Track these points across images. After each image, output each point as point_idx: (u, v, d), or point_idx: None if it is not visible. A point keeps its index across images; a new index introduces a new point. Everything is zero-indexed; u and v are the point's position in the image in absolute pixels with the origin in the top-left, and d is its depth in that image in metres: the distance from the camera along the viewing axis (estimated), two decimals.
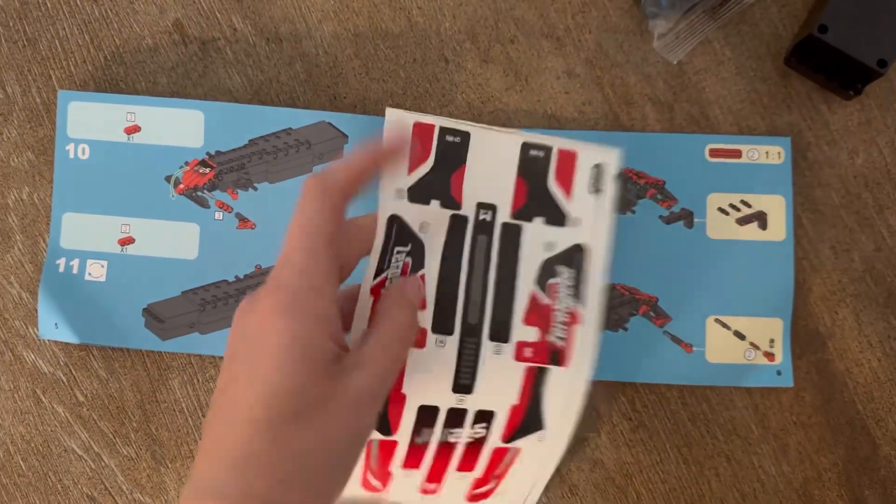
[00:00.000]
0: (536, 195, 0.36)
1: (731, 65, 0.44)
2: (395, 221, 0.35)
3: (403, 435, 0.36)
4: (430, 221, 0.35)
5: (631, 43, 0.45)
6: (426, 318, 0.35)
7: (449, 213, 0.35)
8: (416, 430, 0.36)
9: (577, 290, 0.35)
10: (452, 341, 0.35)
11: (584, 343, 0.35)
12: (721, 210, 0.43)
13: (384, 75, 0.45)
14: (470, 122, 0.36)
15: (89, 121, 0.44)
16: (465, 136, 0.36)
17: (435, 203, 0.35)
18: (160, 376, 0.44)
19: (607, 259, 0.35)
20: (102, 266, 0.44)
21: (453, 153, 0.36)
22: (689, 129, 0.44)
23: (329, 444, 0.28)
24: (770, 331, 0.43)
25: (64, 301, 0.44)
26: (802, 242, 0.44)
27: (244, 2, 0.45)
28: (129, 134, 0.44)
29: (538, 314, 0.35)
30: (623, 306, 0.43)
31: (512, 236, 0.35)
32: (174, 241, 0.44)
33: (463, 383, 0.35)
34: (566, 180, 0.36)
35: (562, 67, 0.45)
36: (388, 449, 0.36)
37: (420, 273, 0.35)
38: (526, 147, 0.36)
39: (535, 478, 0.38)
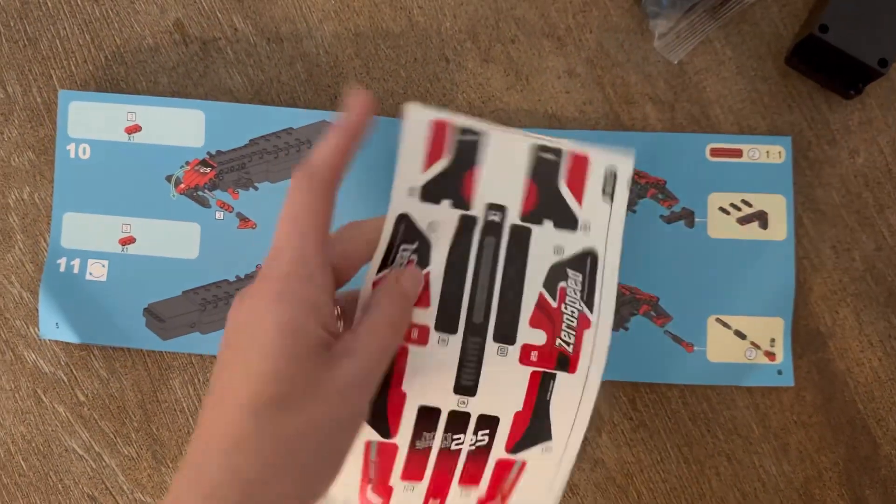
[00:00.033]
0: (547, 198, 0.35)
1: (731, 64, 0.44)
2: (403, 220, 0.34)
3: (403, 438, 0.35)
4: (440, 221, 0.35)
5: (632, 42, 0.45)
6: (430, 316, 0.34)
7: (459, 213, 0.35)
8: (417, 434, 0.35)
9: (586, 295, 0.35)
10: (456, 340, 0.34)
11: (595, 349, 0.34)
12: (722, 209, 0.43)
13: (385, 75, 0.45)
14: (486, 123, 0.35)
15: (90, 120, 0.44)
16: (481, 137, 0.35)
17: (446, 203, 0.35)
18: (161, 376, 0.44)
19: (618, 265, 0.35)
20: (103, 266, 0.44)
21: (468, 153, 0.35)
22: (689, 129, 0.44)
23: (315, 430, 0.28)
24: (771, 330, 0.43)
25: (65, 301, 0.44)
26: (803, 242, 0.44)
27: (245, 2, 0.45)
28: (129, 133, 0.44)
29: (546, 317, 0.34)
30: (624, 306, 0.43)
31: (521, 239, 0.35)
32: (175, 241, 0.44)
33: (465, 384, 0.34)
34: (577, 184, 0.35)
35: (562, 67, 0.45)
36: (387, 454, 0.35)
37: (425, 270, 0.34)
38: (538, 149, 0.35)
39: (542, 496, 0.36)
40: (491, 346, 0.34)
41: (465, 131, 0.35)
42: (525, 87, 0.45)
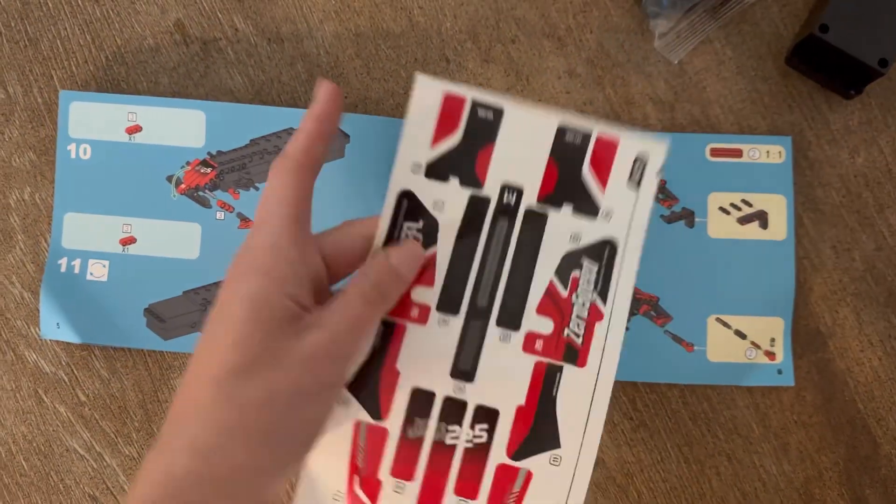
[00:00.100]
0: (568, 182, 0.33)
1: (731, 64, 0.44)
2: (405, 197, 0.33)
3: (394, 422, 0.33)
4: (446, 200, 0.33)
5: (632, 42, 0.45)
6: (432, 295, 0.33)
7: (468, 192, 0.33)
8: (409, 420, 0.33)
9: (601, 285, 0.33)
10: (457, 322, 0.33)
11: (607, 344, 0.32)
12: (722, 209, 0.43)
13: (385, 75, 0.45)
14: (506, 97, 0.33)
15: (91, 121, 0.44)
16: (499, 113, 0.33)
17: (454, 181, 0.33)
18: (162, 376, 0.45)
19: (639, 257, 0.33)
20: (104, 266, 0.44)
21: (484, 129, 0.33)
22: (689, 129, 0.44)
23: (275, 399, 0.28)
24: (771, 330, 0.43)
25: (65, 301, 0.44)
26: (803, 242, 0.44)
27: (245, 2, 0.45)
28: (130, 134, 0.44)
29: (554, 305, 0.33)
30: None
31: (536, 222, 0.33)
32: (176, 241, 0.44)
33: (463, 368, 0.33)
34: (603, 169, 0.33)
35: (563, 67, 0.45)
36: (377, 439, 0.33)
37: (432, 250, 0.33)
38: (562, 130, 0.33)
39: None
40: (493, 330, 0.33)
41: (480, 106, 0.33)
42: (525, 88, 0.45)
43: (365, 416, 0.33)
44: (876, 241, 0.44)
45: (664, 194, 0.44)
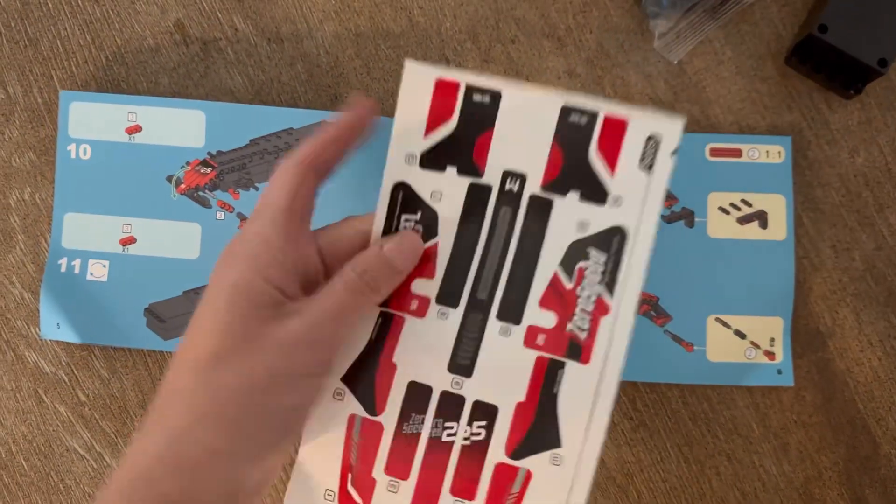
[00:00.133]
0: (574, 166, 0.31)
1: (731, 64, 0.45)
2: (400, 189, 0.32)
3: (390, 417, 0.32)
4: (444, 190, 0.32)
5: (632, 42, 0.45)
6: (432, 287, 0.32)
7: (467, 181, 0.32)
8: (405, 415, 0.32)
9: (608, 277, 0.31)
10: (456, 315, 0.31)
11: (613, 340, 0.30)
12: (722, 209, 0.43)
13: (385, 75, 0.45)
14: (503, 79, 0.32)
15: (91, 121, 0.45)
16: (496, 96, 0.31)
17: (451, 170, 0.32)
18: (162, 376, 0.45)
19: (651, 246, 0.30)
20: (104, 266, 0.44)
21: (481, 114, 0.31)
22: (689, 129, 0.44)
23: (249, 384, 0.27)
24: (771, 330, 0.43)
25: (66, 301, 0.44)
26: (803, 241, 0.44)
27: (245, 2, 0.46)
28: (130, 134, 0.44)
29: (558, 298, 0.31)
30: None
31: (540, 210, 0.31)
32: (176, 241, 0.44)
33: (461, 362, 0.31)
34: (611, 152, 0.31)
35: (563, 67, 0.45)
36: (372, 434, 0.32)
37: (433, 242, 0.32)
38: (567, 111, 0.31)
39: None
40: (493, 324, 0.31)
41: (476, 90, 0.32)
42: None
43: (360, 411, 0.32)
44: (876, 240, 0.44)
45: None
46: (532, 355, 0.31)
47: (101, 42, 0.46)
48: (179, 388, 0.28)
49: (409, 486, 0.32)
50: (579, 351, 0.31)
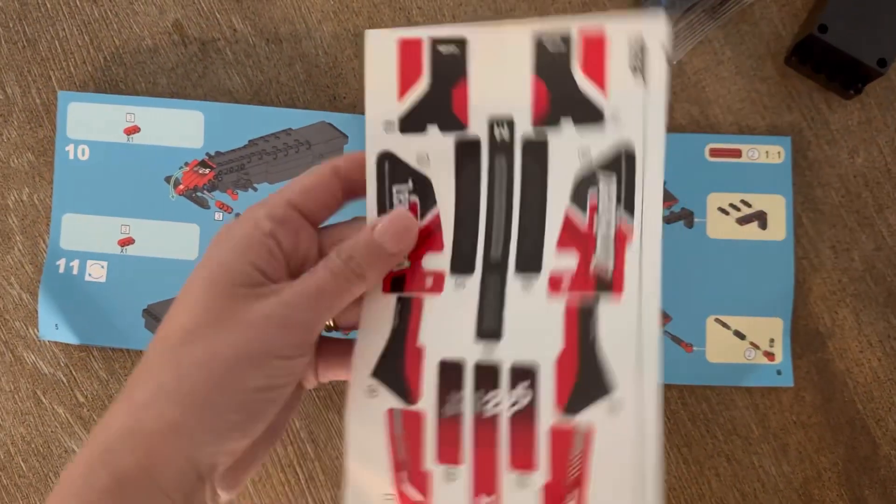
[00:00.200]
0: (561, 95, 0.29)
1: (731, 64, 0.44)
2: (386, 159, 0.31)
3: (428, 402, 0.29)
4: (430, 151, 0.30)
5: None
6: (444, 260, 0.30)
7: (452, 137, 0.30)
8: (442, 396, 0.29)
9: (625, 199, 0.28)
10: (473, 281, 0.30)
11: (643, 266, 0.28)
12: (721, 210, 0.43)
13: None
14: (465, 25, 0.30)
15: (89, 121, 0.44)
16: (462, 43, 0.30)
17: (433, 129, 0.30)
18: None
19: (663, 157, 0.28)
20: (102, 267, 0.44)
21: (451, 66, 0.30)
22: (689, 129, 0.44)
23: (214, 360, 0.27)
24: (770, 330, 0.43)
25: (64, 302, 0.44)
26: (802, 242, 0.44)
27: (244, 2, 0.45)
28: (128, 135, 0.44)
29: (575, 235, 0.29)
30: None
31: (536, 149, 0.29)
32: (174, 242, 0.44)
33: (487, 327, 0.29)
34: (597, 69, 0.29)
35: None
36: (414, 425, 0.30)
37: (433, 212, 0.30)
38: (539, 40, 0.29)
39: (632, 481, 0.27)
40: (513, 280, 0.29)
41: (441, 42, 0.30)
42: None
43: (397, 403, 0.30)
44: (875, 241, 0.44)
45: (663, 194, 0.43)
46: (560, 301, 0.29)
47: (99, 42, 0.46)
48: (150, 363, 0.28)
49: (465, 471, 0.29)
50: (610, 284, 0.28)
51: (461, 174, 0.30)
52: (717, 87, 0.44)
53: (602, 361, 0.27)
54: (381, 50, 0.31)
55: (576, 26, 0.29)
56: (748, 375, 0.43)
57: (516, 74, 0.29)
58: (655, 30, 0.28)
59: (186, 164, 0.44)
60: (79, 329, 0.44)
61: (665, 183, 0.43)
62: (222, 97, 0.45)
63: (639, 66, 0.28)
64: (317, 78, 0.45)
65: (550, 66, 0.29)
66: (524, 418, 0.28)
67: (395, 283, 0.31)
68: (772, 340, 0.43)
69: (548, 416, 0.28)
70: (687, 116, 0.44)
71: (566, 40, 0.29)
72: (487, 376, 0.29)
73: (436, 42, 0.30)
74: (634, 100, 0.28)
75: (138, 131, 0.44)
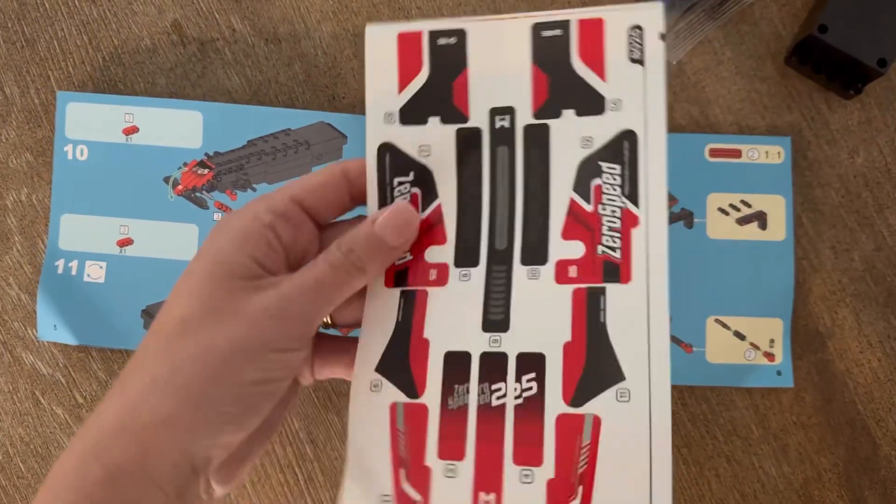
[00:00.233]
0: (561, 83, 0.29)
1: (730, 64, 0.44)
2: (387, 150, 0.31)
3: (432, 395, 0.29)
4: (431, 143, 0.30)
5: None
6: (448, 252, 0.30)
7: (453, 128, 0.30)
8: (448, 389, 0.29)
9: (629, 187, 0.28)
10: (478, 273, 0.29)
11: (650, 252, 0.28)
12: (721, 210, 0.43)
13: None
14: (464, 18, 0.30)
15: (88, 122, 0.44)
16: (462, 35, 0.30)
17: (434, 120, 0.30)
18: None
19: (665, 143, 0.28)
20: (101, 267, 0.44)
21: (451, 57, 0.30)
22: (688, 129, 0.44)
23: (210, 352, 0.27)
24: (770, 331, 0.43)
25: (63, 302, 0.44)
26: (802, 242, 0.44)
27: (243, 2, 0.45)
28: (127, 135, 0.44)
29: (580, 224, 0.29)
30: None
31: (538, 139, 0.29)
32: (173, 242, 0.44)
33: (494, 318, 0.29)
34: (595, 56, 0.29)
35: None
36: (417, 419, 0.29)
37: (435, 204, 0.30)
38: (538, 29, 0.29)
39: (640, 476, 0.26)
40: (519, 270, 0.29)
41: (440, 34, 0.30)
42: None
43: (400, 397, 0.30)
44: (875, 241, 0.44)
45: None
46: (567, 290, 0.28)
47: (98, 43, 0.46)
48: (145, 354, 0.27)
49: (467, 467, 0.28)
50: (617, 272, 0.28)
51: (463, 165, 0.30)
52: (717, 88, 0.44)
53: (611, 350, 0.27)
54: (381, 44, 0.31)
55: (575, 14, 0.29)
56: (748, 376, 0.43)
57: (516, 64, 0.30)
58: (652, 16, 0.28)
59: (185, 164, 0.44)
60: (77, 330, 0.44)
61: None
62: (221, 97, 0.45)
63: (637, 51, 0.29)
64: (316, 78, 0.45)
65: (549, 55, 0.29)
66: (530, 409, 0.28)
67: (399, 276, 0.31)
68: (772, 341, 0.43)
69: (555, 406, 0.28)
70: (687, 116, 0.44)
71: (564, 29, 0.29)
72: (494, 366, 0.29)
73: (435, 34, 0.30)
74: (635, 86, 0.28)
75: (137, 131, 0.44)
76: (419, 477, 0.29)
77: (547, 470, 0.27)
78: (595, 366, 0.27)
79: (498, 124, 0.30)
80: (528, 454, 0.28)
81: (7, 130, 0.45)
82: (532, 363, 0.28)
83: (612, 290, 0.28)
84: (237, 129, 0.44)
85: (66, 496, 0.25)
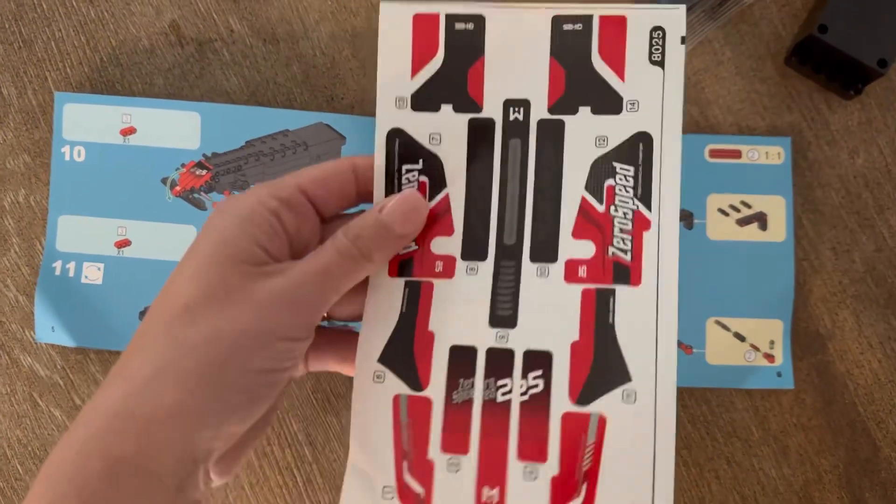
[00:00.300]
0: (579, 80, 0.29)
1: (730, 65, 0.44)
2: (396, 136, 0.30)
3: (437, 388, 0.29)
4: (442, 131, 0.30)
5: None
6: (455, 244, 0.30)
7: (466, 118, 0.30)
8: (452, 382, 0.29)
9: (641, 189, 0.28)
10: (486, 267, 0.29)
11: (662, 255, 0.28)
12: (721, 211, 0.43)
13: None
14: (483, 3, 0.29)
15: (85, 122, 0.44)
16: (480, 21, 0.29)
17: (447, 108, 0.30)
18: None
19: (681, 147, 0.28)
20: (99, 269, 0.44)
21: (467, 44, 0.29)
22: (688, 130, 0.44)
23: (217, 338, 0.26)
24: (770, 332, 0.42)
25: (60, 304, 0.44)
26: (803, 243, 0.43)
27: (241, 3, 0.45)
28: (125, 136, 0.44)
29: (592, 224, 0.29)
30: None
31: (552, 135, 0.29)
32: (171, 244, 0.44)
33: (502, 314, 0.29)
34: (616, 55, 0.29)
35: None
36: (421, 412, 0.29)
37: (443, 194, 0.30)
38: (558, 22, 0.29)
39: (643, 475, 0.26)
40: (528, 267, 0.29)
41: (458, 19, 0.30)
42: None
43: (404, 389, 0.29)
44: (876, 242, 0.43)
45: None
46: (577, 289, 0.28)
47: (95, 43, 0.45)
48: (145, 341, 0.26)
49: (470, 461, 0.28)
50: (627, 274, 0.28)
51: (474, 156, 0.30)
52: (717, 88, 0.44)
53: (618, 351, 0.27)
54: (395, 24, 0.30)
55: (598, 10, 0.29)
56: (748, 377, 0.42)
57: (534, 56, 0.29)
58: (675, 18, 0.28)
59: (183, 165, 0.44)
60: (75, 331, 0.44)
61: None
62: (219, 98, 0.45)
63: (658, 53, 0.28)
64: (314, 79, 0.45)
65: (569, 49, 0.29)
66: (536, 406, 0.28)
67: (403, 266, 0.31)
68: (772, 342, 0.42)
69: (561, 403, 0.28)
70: (687, 117, 0.44)
71: (586, 24, 0.29)
72: (500, 362, 0.28)
73: (452, 18, 0.30)
74: (653, 88, 0.28)
75: (135, 132, 0.44)
76: (422, 470, 0.29)
77: (551, 467, 0.27)
78: (602, 366, 0.27)
79: (512, 116, 0.29)
80: (533, 450, 0.28)
81: (4, 131, 0.45)
82: (539, 360, 0.28)
83: (622, 291, 0.28)
84: (235, 130, 0.44)
85: (63, 488, 0.24)
